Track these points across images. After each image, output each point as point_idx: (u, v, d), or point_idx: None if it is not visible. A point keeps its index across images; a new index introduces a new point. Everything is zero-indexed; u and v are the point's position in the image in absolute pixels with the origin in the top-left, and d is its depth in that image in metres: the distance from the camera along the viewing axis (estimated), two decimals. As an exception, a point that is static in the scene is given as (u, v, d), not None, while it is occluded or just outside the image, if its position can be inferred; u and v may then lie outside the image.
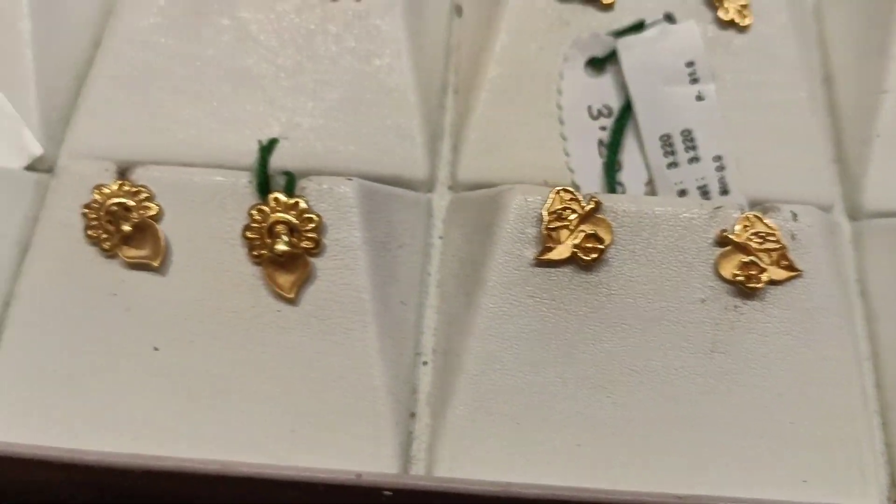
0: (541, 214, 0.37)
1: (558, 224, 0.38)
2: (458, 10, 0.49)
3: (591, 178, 0.43)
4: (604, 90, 0.43)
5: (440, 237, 0.43)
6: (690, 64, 0.43)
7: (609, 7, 0.44)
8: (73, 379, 0.38)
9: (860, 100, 0.44)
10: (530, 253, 0.38)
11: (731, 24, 0.44)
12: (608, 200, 0.38)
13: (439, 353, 0.40)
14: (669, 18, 0.43)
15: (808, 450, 0.37)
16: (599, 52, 0.43)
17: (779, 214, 0.38)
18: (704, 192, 0.42)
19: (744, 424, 0.37)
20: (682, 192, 0.42)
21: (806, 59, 0.46)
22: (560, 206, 0.38)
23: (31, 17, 0.46)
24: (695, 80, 0.43)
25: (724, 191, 0.42)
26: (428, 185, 0.44)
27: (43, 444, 0.35)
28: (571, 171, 0.43)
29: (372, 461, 0.37)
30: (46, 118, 0.45)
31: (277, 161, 0.42)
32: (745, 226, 0.38)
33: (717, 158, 0.43)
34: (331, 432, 0.37)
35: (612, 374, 0.37)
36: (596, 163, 0.43)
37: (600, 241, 0.37)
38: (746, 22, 0.44)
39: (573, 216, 0.38)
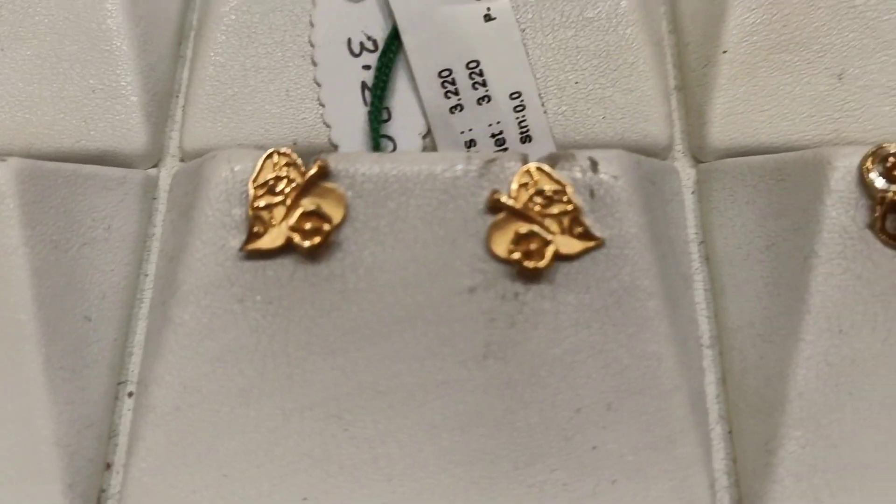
0: (244, 190, 0.28)
1: (271, 200, 0.28)
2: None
3: (353, 133, 0.33)
4: (367, 17, 0.33)
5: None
6: (473, -27, 0.33)
7: None
8: None
9: (707, 8, 0.34)
10: (238, 242, 0.28)
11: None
12: (340, 162, 0.28)
13: (142, 384, 0.30)
14: (440, -86, 0.33)
15: (621, 484, 0.28)
16: (356, -34, 0.33)
17: (573, 164, 0.28)
18: (500, 142, 0.33)
19: (530, 453, 0.27)
20: (471, 143, 0.33)
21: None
22: (272, 176, 0.28)
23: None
24: (480, -5, 0.33)
25: (527, 137, 0.33)
26: (153, 159, 0.34)
27: None
28: (328, 125, 0.33)
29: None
30: None
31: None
32: (525, 183, 0.28)
33: (516, 95, 0.32)
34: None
35: (350, 400, 0.27)
36: (360, 113, 0.33)
37: (325, 219, 0.28)
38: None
39: (290, 188, 0.28)
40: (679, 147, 0.34)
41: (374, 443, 0.27)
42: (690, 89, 0.34)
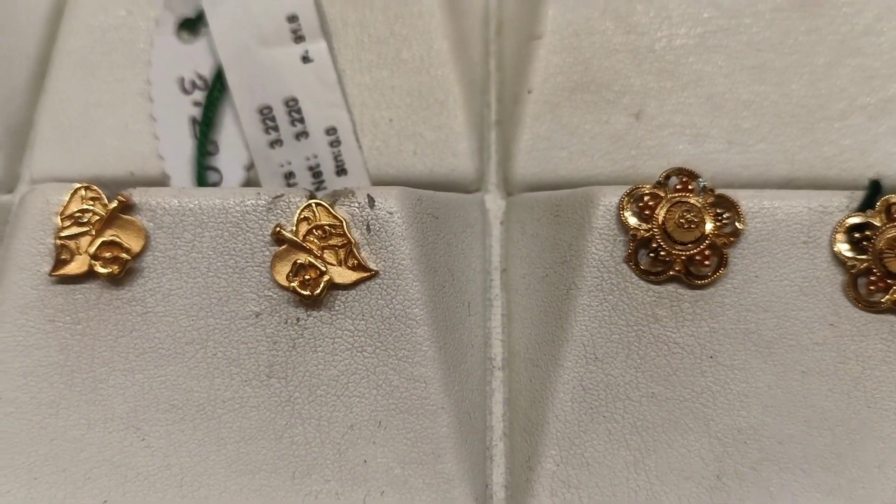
0: (54, 221, 0.31)
1: (77, 230, 0.31)
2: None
3: (183, 165, 0.35)
4: (198, 57, 0.36)
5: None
6: (293, 19, 0.35)
7: (203, -45, 0.36)
8: None
9: (519, 49, 0.37)
10: (49, 268, 0.31)
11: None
12: (142, 196, 0.31)
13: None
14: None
15: (389, 495, 0.30)
16: (190, 10, 0.36)
17: (352, 201, 0.31)
18: (317, 174, 0.35)
19: (307, 465, 0.30)
20: (289, 176, 0.35)
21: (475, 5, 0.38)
22: (79, 209, 0.31)
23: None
24: (300, 39, 0.35)
25: (342, 171, 0.35)
26: (7, 186, 0.37)
27: None
28: (162, 158, 0.36)
29: None
30: None
31: None
32: (306, 218, 0.30)
33: (331, 131, 0.35)
34: None
35: (147, 413, 0.30)
36: (190, 146, 0.35)
37: (125, 248, 0.30)
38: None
39: (96, 219, 0.31)
40: (493, 180, 0.37)
41: (168, 452, 0.30)
42: (503, 126, 0.36)
